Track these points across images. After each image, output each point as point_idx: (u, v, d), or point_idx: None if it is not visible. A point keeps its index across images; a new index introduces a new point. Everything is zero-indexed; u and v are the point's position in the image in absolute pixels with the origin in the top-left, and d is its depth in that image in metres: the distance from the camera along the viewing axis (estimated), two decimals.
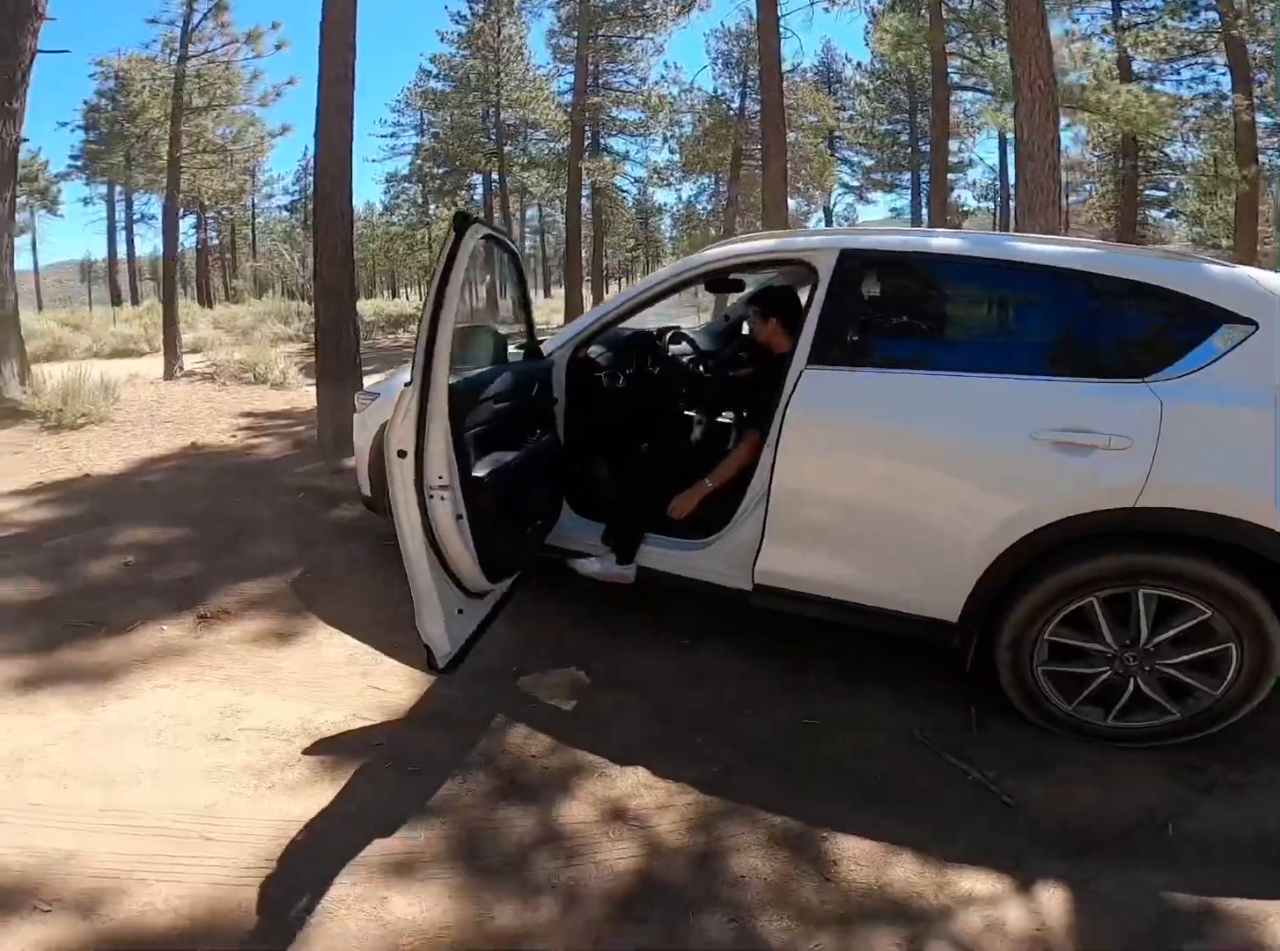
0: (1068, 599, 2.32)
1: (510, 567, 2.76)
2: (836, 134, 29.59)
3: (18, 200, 7.73)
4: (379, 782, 2.24)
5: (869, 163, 31.60)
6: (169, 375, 9.44)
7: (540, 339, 3.23)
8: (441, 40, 27.70)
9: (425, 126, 29.38)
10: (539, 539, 2.98)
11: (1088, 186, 27.49)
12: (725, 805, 2.18)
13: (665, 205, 34.55)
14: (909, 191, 31.44)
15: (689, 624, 3.10)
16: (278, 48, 16.68)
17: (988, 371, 2.43)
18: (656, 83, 25.62)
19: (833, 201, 31.75)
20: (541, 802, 2.17)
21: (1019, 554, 2.34)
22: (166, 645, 2.95)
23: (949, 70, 18.36)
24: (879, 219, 33.97)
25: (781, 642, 2.97)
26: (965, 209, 30.18)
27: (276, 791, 2.19)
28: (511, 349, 3.14)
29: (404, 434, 2.21)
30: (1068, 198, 28.30)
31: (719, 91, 25.26)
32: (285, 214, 36.16)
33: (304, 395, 7.66)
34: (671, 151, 26.90)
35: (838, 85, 30.63)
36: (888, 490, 2.53)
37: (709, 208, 28.01)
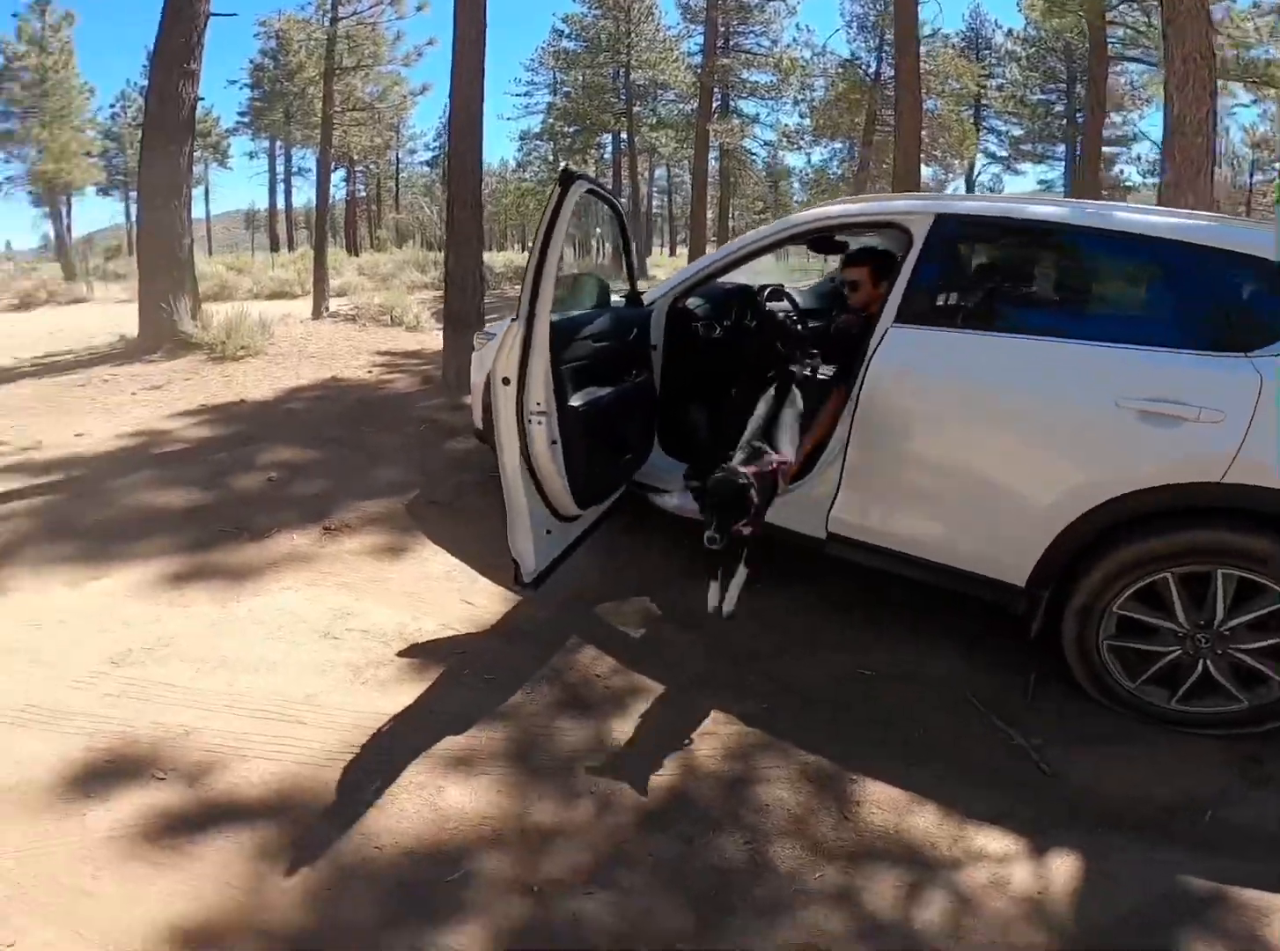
0: (1142, 572, 2.26)
1: (599, 495, 2.91)
2: (984, 102, 27.75)
3: (194, 154, 8.40)
4: (457, 686, 2.48)
5: (1018, 132, 29.49)
6: (317, 315, 10.15)
7: (643, 289, 3.39)
8: (574, 0, 27.76)
9: (557, 85, 29.53)
10: (629, 471, 3.13)
11: (1278, 165, 24.69)
12: (764, 739, 2.30)
13: (795, 169, 33.35)
14: (1062, 163, 29.15)
15: (767, 568, 3.15)
16: (418, 9, 17.19)
17: (1076, 337, 2.40)
18: (788, 45, 24.87)
19: (977, 171, 29.93)
20: (596, 717, 2.36)
21: (1093, 522, 2.30)
22: (295, 552, 3.33)
23: (1111, 40, 16.83)
24: (1027, 191, 31.77)
25: (853, 593, 3.01)
26: (1128, 184, 27.71)
27: (369, 687, 2.47)
28: (616, 298, 3.31)
29: (508, 363, 2.39)
30: (1253, 176, 25.64)
31: (854, 55, 24.19)
32: (426, 169, 37.34)
33: (434, 337, 8.08)
34: (802, 115, 26.07)
35: (986, 52, 28.53)
36: (962, 449, 2.54)
37: (840, 173, 27.04)
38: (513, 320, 2.43)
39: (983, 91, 26.67)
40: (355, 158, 29.74)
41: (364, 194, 36.66)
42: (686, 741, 2.27)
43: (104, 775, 2.06)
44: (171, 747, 2.17)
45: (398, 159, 36.38)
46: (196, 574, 3.13)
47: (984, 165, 30.36)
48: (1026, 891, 1.83)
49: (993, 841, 1.96)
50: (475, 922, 1.71)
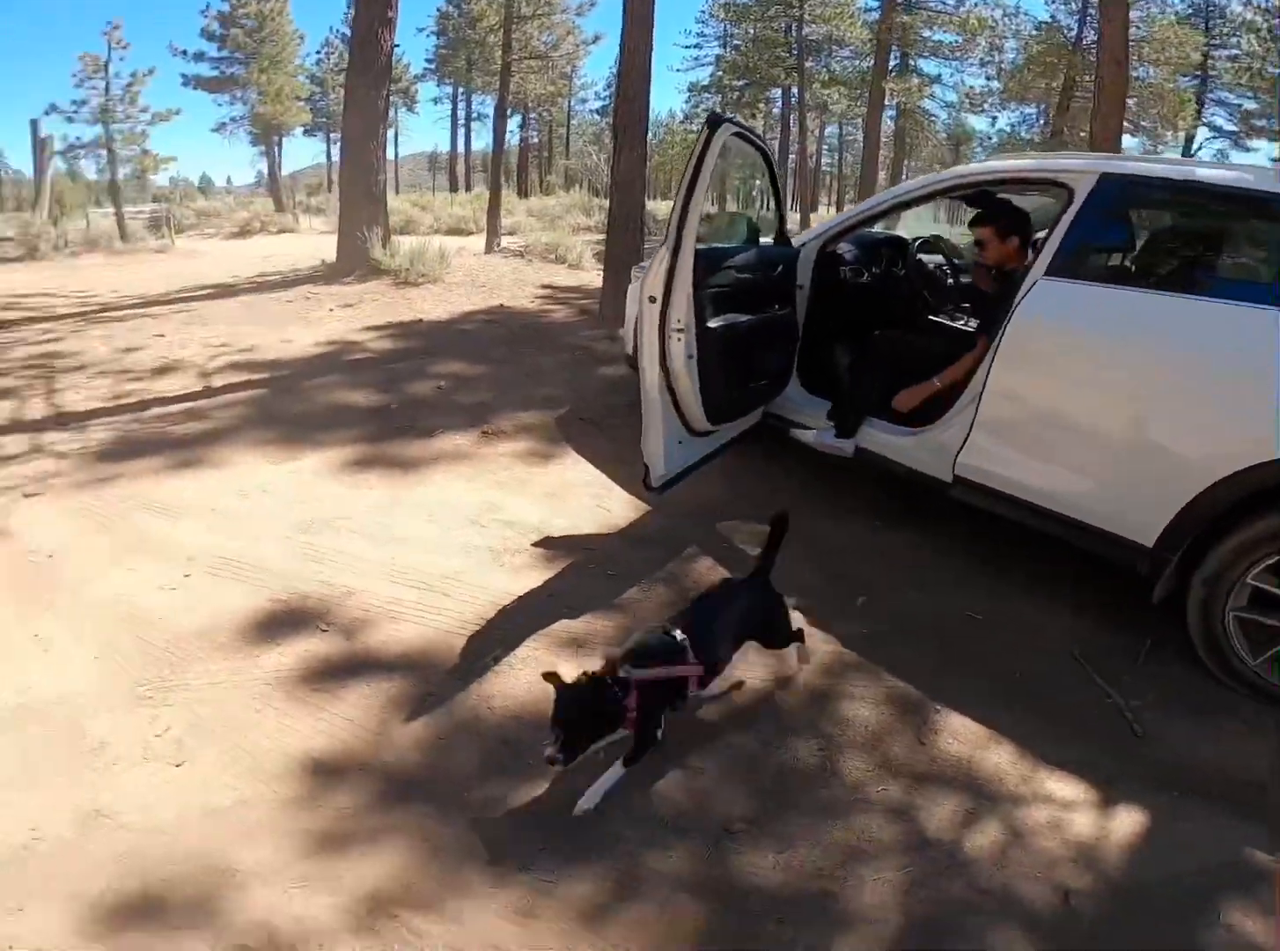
0: None
1: (730, 413, 3.04)
2: (1211, 73, 24.53)
3: (389, 98, 8.96)
4: (581, 578, 2.72)
5: (1252, 106, 25.88)
6: (489, 250, 10.76)
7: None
8: None
9: (727, 38, 28.77)
10: (762, 397, 3.26)
11: None
12: (859, 661, 2.37)
13: (978, 132, 30.98)
14: None
15: (892, 505, 3.24)
16: None
17: (1239, 299, 2.28)
18: (975, 4, 22.97)
19: (1198, 144, 26.64)
20: None
21: (1237, 486, 2.17)
22: (456, 450, 3.70)
23: None
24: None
25: (976, 540, 3.00)
26: None
27: (505, 570, 2.75)
28: (765, 240, 3.41)
29: (655, 283, 2.58)
30: None
31: (1053, 18, 22.02)
32: (596, 117, 37.56)
33: (594, 276, 8.41)
34: (989, 77, 24.16)
35: (1218, 20, 24.99)
36: (1103, 403, 2.47)
37: (1028, 139, 24.95)
38: (662, 245, 2.60)
39: (1210, 61, 23.60)
40: (530, 105, 30.44)
41: (536, 140, 37.57)
42: (780, 652, 2.35)
43: (280, 624, 2.42)
44: (336, 605, 2.51)
45: (569, 107, 36.92)
46: (373, 462, 3.56)
47: (1206, 139, 26.96)
48: (1083, 837, 1.83)
49: (1062, 787, 1.96)
50: (558, 783, 1.89)
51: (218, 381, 4.70)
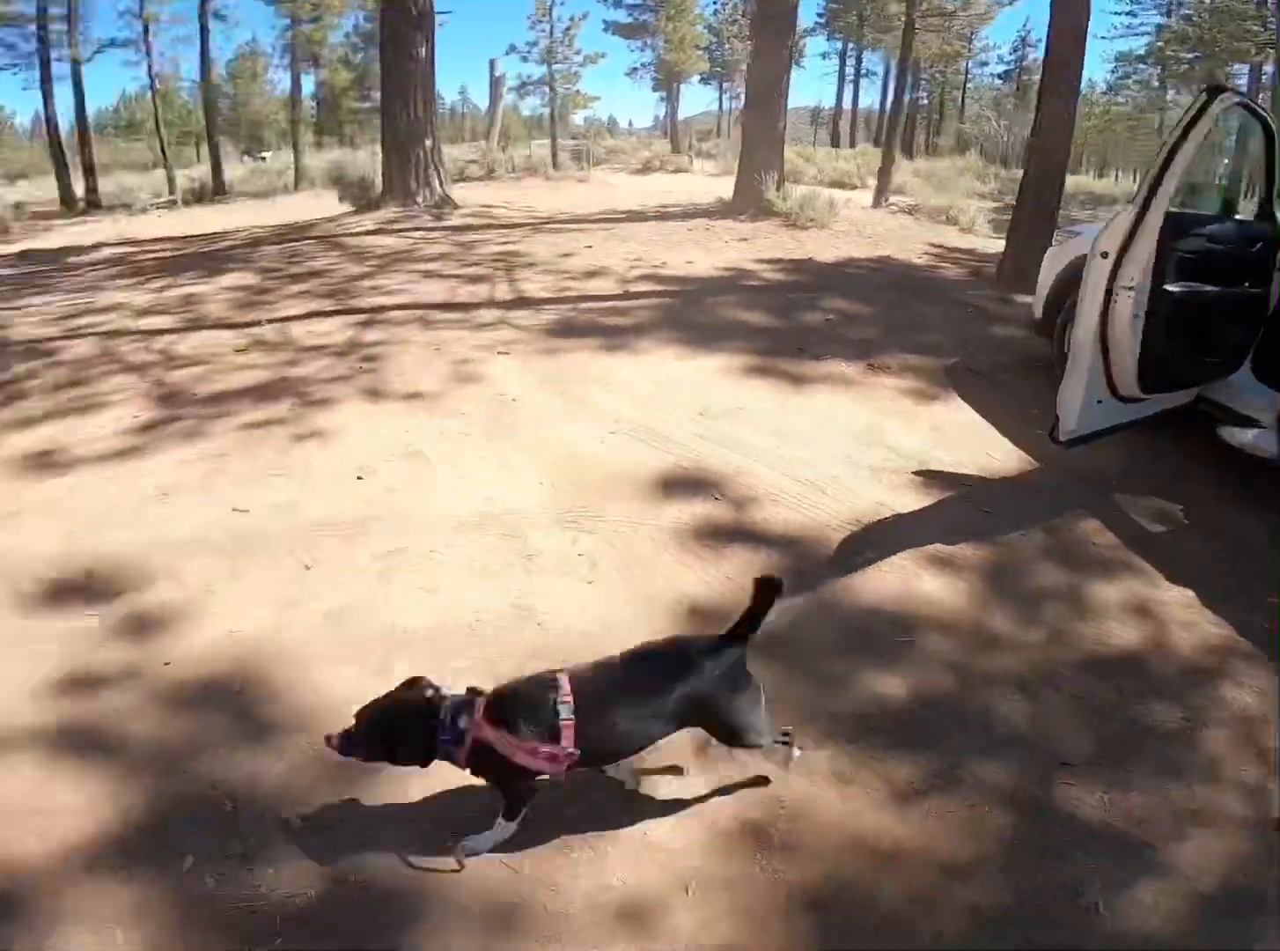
0: None
1: (1165, 383, 2.88)
2: None
3: (794, 49, 9.10)
4: (956, 509, 2.82)
5: None
6: (875, 205, 10.64)
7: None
8: None
9: (1172, 6, 24.07)
10: (1205, 375, 3.03)
11: None
12: (1253, 652, 2.22)
13: None
14: None
15: None
16: None
17: None
18: None
19: None
20: (1077, 574, 2.50)
21: None
22: (842, 375, 3.93)
23: None
24: None
25: None
26: None
27: (882, 485, 2.94)
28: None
29: (1111, 241, 2.55)
30: None
31: None
32: (997, 82, 34.18)
33: (987, 242, 8.08)
34: None
35: None
36: None
37: None
38: (1128, 202, 2.53)
39: None
40: (923, 65, 28.51)
41: (925, 101, 35.18)
42: (1163, 622, 2.30)
43: (680, 486, 2.85)
44: (727, 480, 2.89)
45: (966, 69, 33.91)
46: (764, 371, 3.93)
47: None
48: None
49: None
50: (903, 676, 2.05)
51: (634, 288, 5.41)
